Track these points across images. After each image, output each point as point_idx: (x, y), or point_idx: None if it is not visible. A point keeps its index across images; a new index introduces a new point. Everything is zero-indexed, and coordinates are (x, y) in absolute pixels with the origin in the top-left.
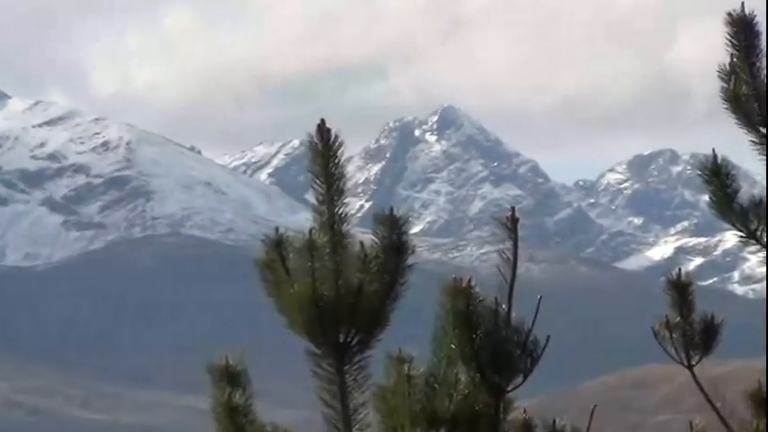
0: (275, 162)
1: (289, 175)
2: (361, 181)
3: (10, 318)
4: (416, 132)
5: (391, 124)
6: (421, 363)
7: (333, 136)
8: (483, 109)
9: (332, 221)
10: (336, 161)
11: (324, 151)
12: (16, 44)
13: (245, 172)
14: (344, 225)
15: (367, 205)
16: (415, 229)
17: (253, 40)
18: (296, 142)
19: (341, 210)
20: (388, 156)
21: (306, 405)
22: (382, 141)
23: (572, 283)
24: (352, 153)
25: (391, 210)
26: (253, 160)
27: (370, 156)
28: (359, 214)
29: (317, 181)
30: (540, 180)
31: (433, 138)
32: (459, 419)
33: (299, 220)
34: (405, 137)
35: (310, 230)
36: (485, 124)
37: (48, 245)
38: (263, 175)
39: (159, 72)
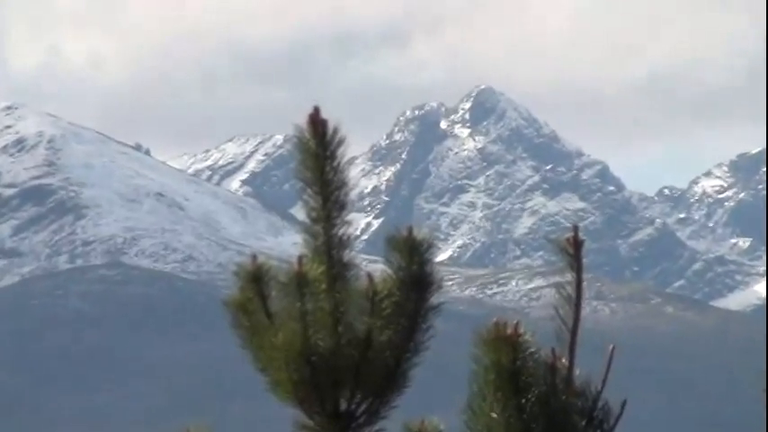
0: (251, 165)
1: (270, 184)
2: (368, 190)
3: None
4: (443, 124)
5: (408, 114)
6: None
7: (331, 129)
8: (533, 92)
9: (329, 246)
10: (335, 164)
11: (318, 150)
12: None
13: (210, 179)
14: (346, 251)
15: (376, 224)
16: (442, 257)
17: (224, 1)
18: (279, 138)
19: (341, 230)
20: (404, 156)
21: None
22: (397, 137)
23: (655, 329)
24: (356, 153)
25: (410, 230)
26: (221, 163)
27: (381, 156)
28: (365, 237)
29: (309, 191)
30: (612, 188)
31: (466, 131)
32: None
33: (284, 244)
34: (427, 130)
35: (300, 259)
36: (536, 113)
37: None
38: (235, 183)
39: (95, 44)
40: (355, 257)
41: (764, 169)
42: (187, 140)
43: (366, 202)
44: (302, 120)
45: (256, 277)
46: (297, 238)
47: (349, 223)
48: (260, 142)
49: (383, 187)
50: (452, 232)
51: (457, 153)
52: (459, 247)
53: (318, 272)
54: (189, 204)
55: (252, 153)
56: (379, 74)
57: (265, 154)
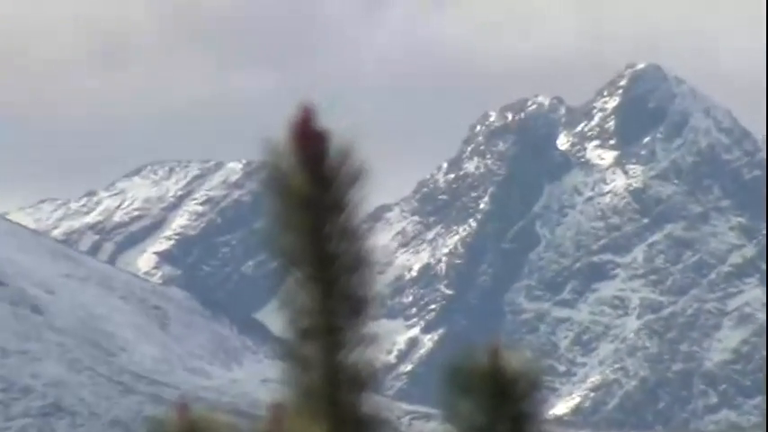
0: (178, 223)
1: (216, 261)
2: (413, 274)
3: None
4: (563, 141)
5: (494, 119)
6: None
7: (337, 150)
8: (744, 80)
9: (333, 386)
10: (345, 221)
11: (312, 193)
12: None
13: (95, 250)
14: (367, 396)
15: (428, 341)
16: (560, 408)
17: None
18: (235, 168)
19: (358, 354)
20: (485, 206)
21: None
22: (469, 166)
23: None
24: (390, 198)
25: (494, 354)
26: (118, 219)
27: (439, 206)
28: (407, 367)
29: (296, 276)
30: None
31: (610, 155)
32: None
33: (245, 381)
34: (531, 152)
35: (275, 410)
36: (749, 120)
37: None
38: (147, 259)
39: None
40: (387, 408)
41: None
42: (49, 175)
43: (409, 299)
44: (280, 133)
45: None
46: (269, 370)
47: (374, 340)
48: (196, 177)
49: (442, 268)
50: (581, 359)
51: (591, 198)
52: (594, 390)
53: None
54: (53, 302)
55: (181, 198)
56: (434, 41)
57: (206, 200)
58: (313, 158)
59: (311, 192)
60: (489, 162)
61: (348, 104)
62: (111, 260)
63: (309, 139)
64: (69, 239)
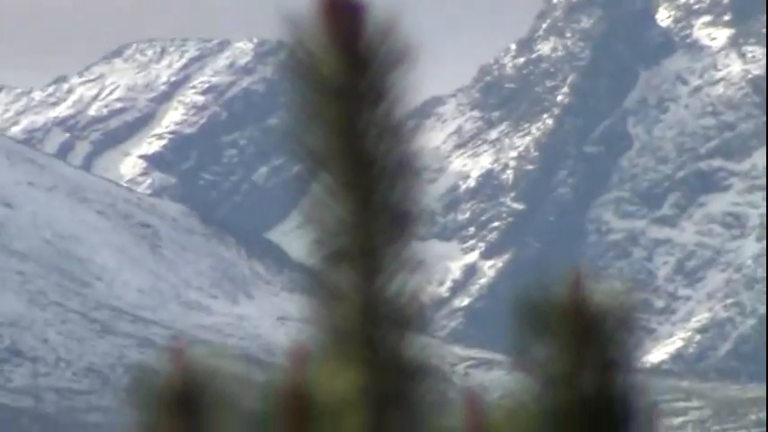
0: (173, 118)
1: (218, 167)
2: (471, 184)
3: None
4: (662, 11)
5: None
6: None
7: (375, 23)
8: None
9: (371, 319)
10: (386, 113)
11: (345, 74)
12: None
13: (63, 152)
14: (409, 334)
15: (490, 268)
16: (656, 355)
17: None
18: (244, 48)
19: (401, 282)
20: (563, 97)
21: None
22: (543, 47)
23: None
24: (444, 89)
25: (576, 282)
26: (96, 112)
27: (506, 96)
28: (465, 301)
29: (322, 180)
30: None
31: (724, 33)
32: None
33: (255, 318)
34: (629, 17)
35: (297, 354)
36: None
37: None
38: (131, 165)
39: None
40: (437, 353)
41: None
42: (6, 57)
43: (466, 215)
44: (304, 3)
45: (185, 394)
46: (286, 305)
47: (422, 266)
48: (194, 60)
49: (509, 176)
50: (684, 291)
51: (699, 89)
52: (700, 331)
53: (346, 389)
54: (11, 218)
55: (174, 86)
56: None
57: (207, 88)
58: (346, 35)
59: (344, 77)
60: (569, 43)
61: None
62: (86, 165)
63: (342, 11)
64: (32, 138)
